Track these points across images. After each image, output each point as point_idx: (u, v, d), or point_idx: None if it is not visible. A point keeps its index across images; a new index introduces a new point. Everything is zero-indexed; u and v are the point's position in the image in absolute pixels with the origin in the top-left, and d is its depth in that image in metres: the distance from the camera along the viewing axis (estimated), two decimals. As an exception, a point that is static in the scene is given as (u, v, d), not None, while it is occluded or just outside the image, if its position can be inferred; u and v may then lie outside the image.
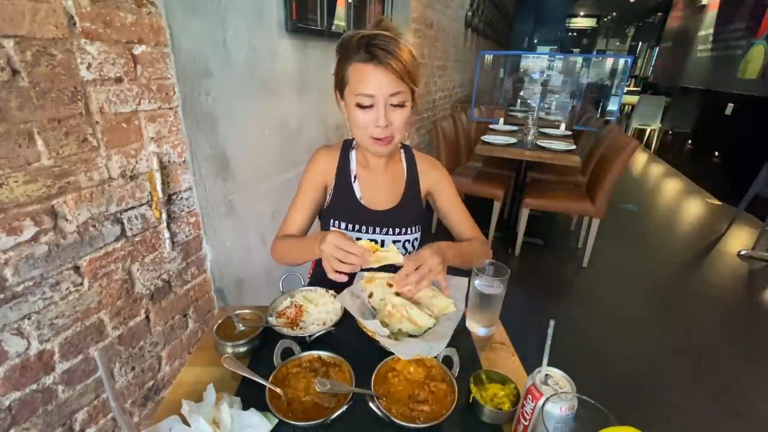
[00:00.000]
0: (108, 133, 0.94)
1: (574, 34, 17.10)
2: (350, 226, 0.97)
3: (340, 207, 0.99)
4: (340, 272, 0.74)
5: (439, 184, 1.05)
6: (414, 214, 1.02)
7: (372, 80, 0.81)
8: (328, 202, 1.01)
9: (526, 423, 0.54)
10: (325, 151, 1.01)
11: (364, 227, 0.97)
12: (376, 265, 0.74)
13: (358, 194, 0.99)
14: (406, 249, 1.00)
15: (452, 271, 0.85)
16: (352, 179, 0.99)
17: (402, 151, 1.05)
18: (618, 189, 2.67)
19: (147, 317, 1.14)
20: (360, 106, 0.84)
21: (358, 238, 0.92)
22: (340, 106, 0.92)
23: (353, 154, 1.01)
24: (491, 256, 0.93)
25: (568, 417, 0.48)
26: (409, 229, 0.99)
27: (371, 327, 0.71)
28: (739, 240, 3.30)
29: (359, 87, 0.82)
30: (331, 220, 0.98)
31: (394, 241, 0.98)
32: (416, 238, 1.02)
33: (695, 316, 2.34)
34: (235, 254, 1.47)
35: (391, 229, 0.98)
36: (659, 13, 9.85)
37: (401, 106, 0.85)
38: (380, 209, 0.99)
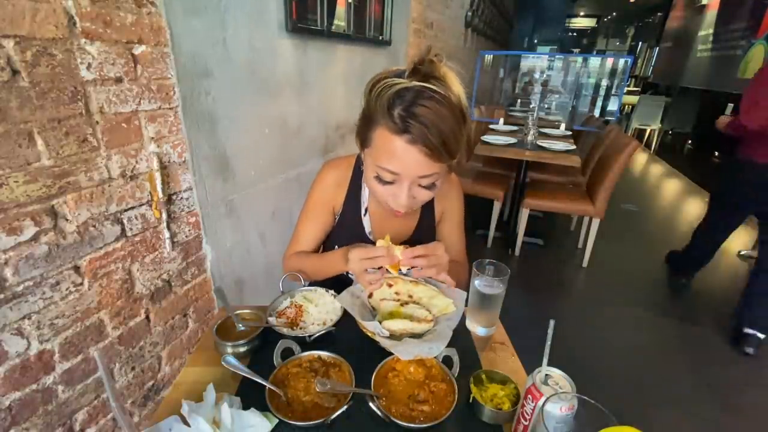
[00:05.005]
0: (108, 133, 0.94)
1: (574, 34, 17.12)
2: None
3: (346, 239, 0.91)
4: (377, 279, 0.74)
5: (451, 209, 0.97)
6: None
7: (400, 159, 0.65)
8: (334, 227, 0.95)
9: (526, 423, 0.54)
10: (333, 171, 0.91)
11: None
12: (401, 255, 0.73)
13: (367, 229, 0.91)
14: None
15: None
16: (363, 212, 0.91)
17: None
18: (618, 189, 2.67)
19: (147, 317, 1.14)
20: (380, 179, 0.70)
21: None
22: (360, 149, 0.78)
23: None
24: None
25: (568, 417, 0.48)
26: None
27: (371, 328, 0.71)
28: (739, 240, 3.29)
29: (383, 160, 0.67)
30: (336, 247, 0.93)
31: (405, 274, 0.87)
32: None
33: (695, 316, 2.34)
34: (235, 254, 1.47)
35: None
36: (659, 13, 9.86)
37: (430, 187, 0.71)
38: None
